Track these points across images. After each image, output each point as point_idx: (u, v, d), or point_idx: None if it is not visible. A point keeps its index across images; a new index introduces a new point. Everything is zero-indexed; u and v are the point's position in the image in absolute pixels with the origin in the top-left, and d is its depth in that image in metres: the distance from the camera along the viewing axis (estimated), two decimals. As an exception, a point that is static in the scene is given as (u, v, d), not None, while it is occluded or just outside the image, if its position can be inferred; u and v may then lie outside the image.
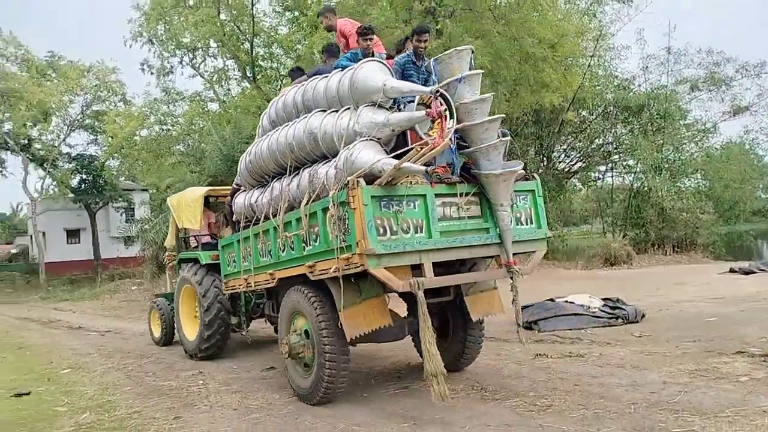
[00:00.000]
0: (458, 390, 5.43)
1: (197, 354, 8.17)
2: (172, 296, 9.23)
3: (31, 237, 36.25)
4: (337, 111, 5.19)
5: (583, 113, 22.46)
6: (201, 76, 23.04)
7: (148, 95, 22.78)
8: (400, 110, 4.99)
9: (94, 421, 5.41)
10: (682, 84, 22.31)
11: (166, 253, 10.16)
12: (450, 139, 4.66)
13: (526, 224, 5.43)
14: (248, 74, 20.48)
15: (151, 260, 17.79)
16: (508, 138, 5.20)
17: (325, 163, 5.23)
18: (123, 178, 33.84)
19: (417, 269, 4.77)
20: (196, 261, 8.37)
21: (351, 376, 5.51)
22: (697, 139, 22.76)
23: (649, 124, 21.73)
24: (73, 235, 35.60)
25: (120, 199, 32.74)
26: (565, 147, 23.92)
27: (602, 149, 23.51)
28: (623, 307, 8.55)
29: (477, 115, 4.88)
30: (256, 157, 6.22)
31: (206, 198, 8.89)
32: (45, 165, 31.44)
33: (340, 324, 4.98)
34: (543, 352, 6.66)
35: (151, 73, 22.58)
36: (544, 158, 22.71)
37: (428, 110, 4.60)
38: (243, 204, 6.63)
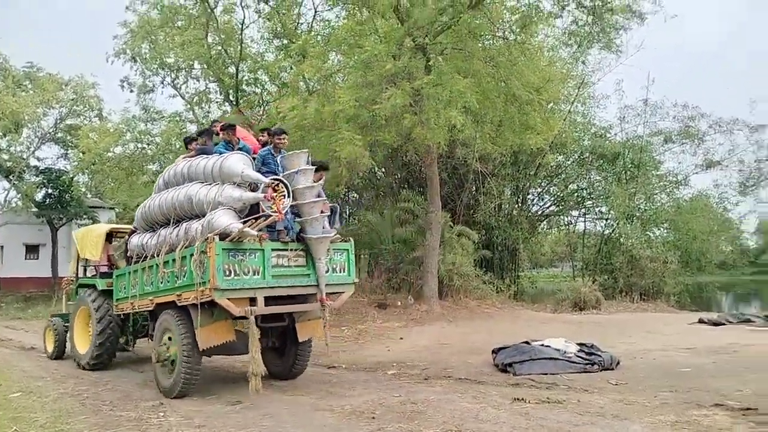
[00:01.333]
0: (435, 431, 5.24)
1: (88, 364, 9.60)
2: (67, 316, 10.86)
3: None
4: (209, 185, 7.25)
5: (560, 158, 22.82)
6: (182, 96, 22.78)
7: (127, 112, 22.35)
8: (254, 190, 6.94)
9: (44, 452, 5.05)
10: (656, 135, 22.84)
11: (65, 279, 11.89)
12: (285, 212, 6.88)
13: (340, 272, 7.69)
14: (231, 98, 20.31)
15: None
16: (328, 213, 7.54)
17: (197, 221, 7.20)
18: (90, 195, 32.96)
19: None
20: (93, 287, 9.93)
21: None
22: (668, 190, 23.23)
23: (623, 172, 22.16)
24: (32, 250, 34.34)
25: (85, 216, 31.80)
26: (540, 190, 24.20)
27: (576, 194, 23.85)
28: (599, 353, 8.47)
29: (306, 197, 7.20)
30: (150, 209, 8.26)
31: (109, 234, 10.54)
32: (11, 177, 30.49)
33: (200, 334, 6.93)
34: (520, 396, 6.50)
35: (131, 91, 22.27)
36: (519, 200, 22.92)
37: (265, 194, 6.72)
38: (136, 244, 8.56)
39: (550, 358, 8.21)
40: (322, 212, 7.40)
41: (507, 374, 8.08)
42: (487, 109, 13.17)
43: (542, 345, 8.73)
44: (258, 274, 6.84)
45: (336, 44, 13.30)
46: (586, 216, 24.70)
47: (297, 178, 7.13)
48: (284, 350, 8.26)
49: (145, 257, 8.18)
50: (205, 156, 7.67)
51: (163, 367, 7.47)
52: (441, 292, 15.41)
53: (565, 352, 8.39)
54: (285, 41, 17.62)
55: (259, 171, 7.21)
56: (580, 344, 8.84)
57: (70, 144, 30.60)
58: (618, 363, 8.38)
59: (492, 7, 12.59)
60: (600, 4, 11.81)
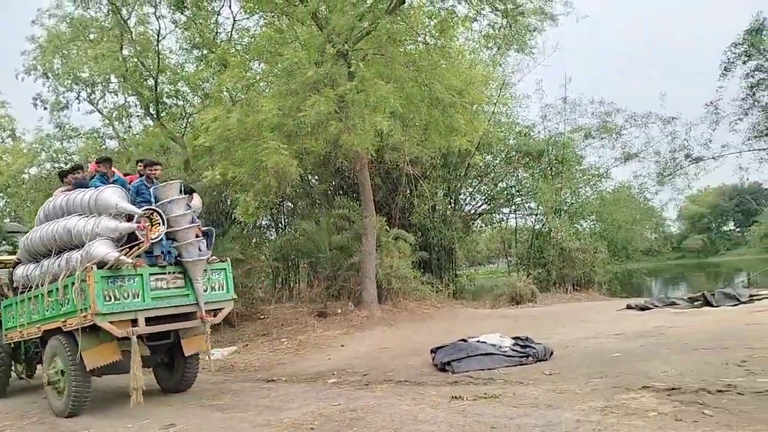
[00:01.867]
0: (374, 438, 5.21)
1: None
2: None
3: None
4: (87, 217, 7.70)
5: (488, 158, 23.39)
6: (99, 112, 21.91)
7: (40, 131, 21.29)
8: (131, 220, 7.45)
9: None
10: (577, 132, 23.79)
11: None
12: (161, 238, 7.55)
13: (219, 290, 8.21)
14: (152, 111, 19.67)
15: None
16: (203, 238, 8.11)
17: (77, 251, 7.58)
18: (8, 220, 31.10)
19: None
20: None
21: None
22: (591, 183, 24.24)
23: (549, 168, 22.94)
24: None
25: (4, 242, 29.99)
26: (471, 190, 24.72)
27: (506, 192, 24.51)
28: (533, 345, 8.67)
29: (180, 224, 7.74)
30: (32, 242, 8.57)
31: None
32: None
33: (84, 357, 7.34)
34: (458, 394, 6.55)
35: (45, 108, 21.24)
36: (452, 200, 23.31)
37: (138, 224, 7.34)
38: (21, 274, 8.84)
39: (487, 354, 8.33)
40: (197, 236, 8.03)
41: (446, 373, 8.13)
42: (412, 113, 13.32)
43: (478, 341, 8.85)
44: (138, 297, 7.42)
45: (256, 53, 13.13)
46: (517, 213, 25.48)
47: (170, 206, 7.72)
48: (173, 365, 8.81)
49: (30, 287, 8.51)
50: (82, 189, 8.19)
51: (54, 390, 7.93)
52: (381, 297, 15.44)
53: (500, 347, 8.54)
54: (204, 51, 17.22)
55: (134, 201, 7.82)
56: (515, 338, 9.02)
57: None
58: (551, 353, 8.60)
59: (410, 12, 12.76)
60: (512, 7, 12.17)
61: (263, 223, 23.21)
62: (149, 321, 7.46)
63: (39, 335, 8.38)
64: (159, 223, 7.52)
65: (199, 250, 7.95)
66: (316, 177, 21.87)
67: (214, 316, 8.16)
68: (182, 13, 17.81)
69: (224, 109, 12.55)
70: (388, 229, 17.92)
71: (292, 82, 11.60)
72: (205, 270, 7.93)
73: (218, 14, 17.23)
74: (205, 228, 8.55)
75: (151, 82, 19.14)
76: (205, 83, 18.00)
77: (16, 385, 10.31)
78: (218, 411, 7.26)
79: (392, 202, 20.76)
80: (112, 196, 7.58)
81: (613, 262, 22.96)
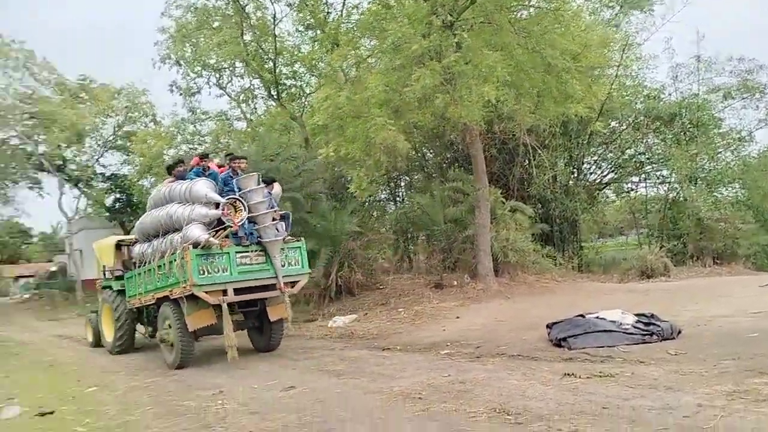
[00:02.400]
0: (479, 412, 5.21)
1: (113, 350, 11.74)
2: None
3: (69, 255, 36.95)
4: (184, 205, 9.27)
5: (613, 124, 21.97)
6: (228, 95, 23.33)
7: (175, 115, 23.14)
8: (218, 207, 8.91)
9: (110, 443, 5.36)
10: (714, 92, 21.61)
11: (96, 281, 14.11)
12: (243, 223, 9.05)
13: (295, 265, 9.63)
14: (272, 93, 20.59)
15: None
16: (283, 222, 9.60)
17: (178, 233, 9.21)
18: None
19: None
20: (110, 288, 12.18)
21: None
22: (732, 148, 21.98)
23: (682, 133, 21.08)
24: (124, 249, 36.14)
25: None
26: (595, 158, 23.40)
27: (634, 160, 22.91)
28: (658, 323, 8.17)
29: (259, 209, 9.11)
30: (143, 225, 10.45)
31: (118, 244, 12.70)
32: (80, 185, 32.19)
33: (186, 321, 9.03)
34: (571, 371, 6.37)
35: (180, 94, 23.00)
36: (575, 170, 22.24)
37: (222, 211, 8.88)
38: (138, 252, 10.74)
39: (606, 331, 7.99)
40: (274, 219, 9.36)
41: (561, 349, 7.93)
42: (522, 81, 12.79)
43: (597, 317, 8.50)
44: (226, 272, 8.92)
45: (363, 30, 13.23)
46: (647, 181, 23.71)
47: (250, 195, 9.11)
48: (263, 329, 10.25)
49: (145, 262, 10.34)
50: (181, 181, 9.73)
51: (166, 346, 9.64)
52: (497, 270, 15.24)
53: (621, 324, 8.14)
54: (317, 32, 17.66)
55: (221, 191, 9.28)
56: (638, 314, 8.54)
57: (130, 150, 31.99)
58: (679, 332, 8.08)
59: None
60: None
61: (382, 196, 23.70)
62: (237, 291, 8.98)
63: (153, 302, 10.17)
64: (241, 210, 9.04)
65: (277, 231, 9.33)
66: (431, 150, 21.86)
67: (292, 287, 9.59)
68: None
69: (335, 87, 12.85)
70: (504, 201, 17.56)
71: (398, 57, 11.60)
72: (282, 248, 9.41)
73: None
74: (282, 212, 9.89)
75: (270, 64, 20.00)
76: (319, 63, 18.50)
77: (142, 342, 12.13)
78: (335, 376, 7.63)
79: (509, 173, 20.26)
80: (203, 187, 9.09)
81: (760, 234, 20.85)
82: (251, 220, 9.19)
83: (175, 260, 9.02)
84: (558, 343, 8.10)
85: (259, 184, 9.30)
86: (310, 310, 14.57)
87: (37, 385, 9.01)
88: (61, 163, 31.89)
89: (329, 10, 18.89)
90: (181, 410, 6.47)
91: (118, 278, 12.14)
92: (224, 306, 8.77)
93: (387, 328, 11.81)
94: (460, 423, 4.99)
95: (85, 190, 32.01)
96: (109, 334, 12.17)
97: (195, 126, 22.39)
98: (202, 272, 8.71)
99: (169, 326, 9.45)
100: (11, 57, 30.10)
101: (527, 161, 20.49)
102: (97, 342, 12.99)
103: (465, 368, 7.32)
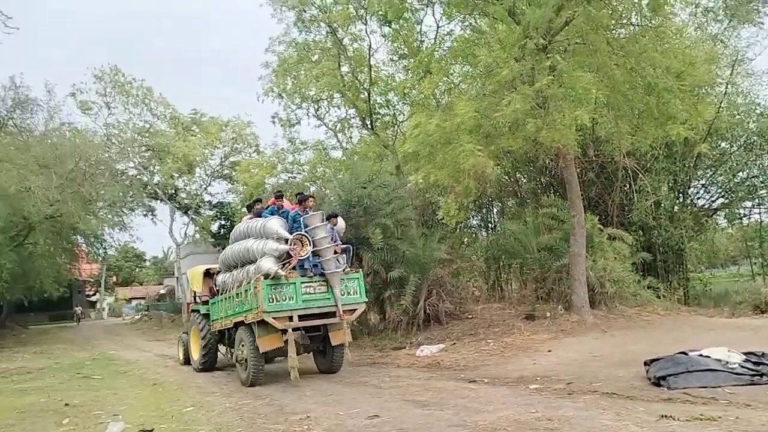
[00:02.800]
0: (566, 452, 4.98)
1: (197, 367, 13.18)
2: None
3: (177, 278, 39.42)
4: (258, 240, 10.56)
5: (723, 145, 20.54)
6: (325, 125, 24.22)
7: (276, 146, 24.38)
8: (286, 242, 10.24)
9: (201, 463, 5.60)
10: (835, 109, 19.68)
11: (188, 304, 15.54)
12: (308, 256, 10.24)
13: (354, 294, 10.60)
14: (366, 122, 21.13)
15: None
16: (344, 255, 10.91)
17: (253, 265, 10.48)
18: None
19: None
20: (198, 311, 13.48)
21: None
22: None
23: (800, 154, 19.35)
24: (212, 277, 38.20)
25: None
26: (703, 182, 21.90)
27: (747, 183, 21.21)
28: (770, 362, 7.47)
29: (322, 244, 10.26)
30: (225, 256, 11.87)
31: (207, 271, 13.89)
32: (189, 212, 34.45)
33: (257, 343, 10.19)
34: (669, 413, 5.93)
35: (281, 126, 24.14)
36: (680, 195, 20.95)
37: (290, 247, 10.11)
38: (220, 280, 12.13)
39: (710, 370, 7.40)
40: (335, 253, 10.46)
41: (660, 388, 7.41)
42: (620, 103, 12.30)
43: (700, 355, 7.88)
44: (293, 300, 10.00)
45: (454, 57, 13.30)
46: (761, 206, 21.85)
47: (315, 231, 10.28)
48: (326, 352, 11.32)
49: (225, 290, 11.62)
50: (257, 219, 11.15)
51: (240, 366, 10.83)
52: (594, 301, 14.56)
53: (727, 363, 7.51)
54: (411, 60, 17.97)
55: (291, 228, 10.51)
56: (747, 353, 7.85)
57: (235, 179, 33.86)
58: (795, 374, 7.32)
59: (615, -6, 11.81)
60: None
61: (474, 222, 23.46)
62: (301, 318, 10.07)
63: (232, 325, 11.35)
64: (307, 244, 10.21)
65: (338, 263, 10.44)
66: (525, 175, 21.44)
67: (351, 314, 10.58)
68: (389, 26, 18.81)
69: (426, 115, 12.97)
70: (602, 228, 16.85)
71: (489, 83, 11.54)
72: (342, 279, 10.43)
73: (421, 23, 17.84)
74: (343, 246, 11.08)
75: (365, 94, 20.57)
76: (411, 90, 18.80)
77: (222, 362, 13.44)
78: (419, 407, 7.57)
79: (608, 198, 19.43)
80: (275, 225, 10.43)
81: None
82: (315, 254, 10.32)
83: (249, 289, 10.30)
84: (656, 382, 7.58)
85: (323, 221, 10.55)
86: (398, 338, 14.56)
87: (141, 403, 9.60)
88: (173, 191, 34.36)
89: (422, 39, 19.23)
90: (269, 433, 6.66)
91: (205, 303, 13.38)
92: (289, 331, 9.97)
93: (475, 359, 11.58)
94: (544, 463, 4.79)
95: (194, 217, 34.21)
96: (195, 353, 13.49)
97: (294, 156, 23.43)
98: (271, 300, 9.87)
99: (243, 348, 10.63)
100: (132, 94, 33.02)
101: (627, 186, 19.59)
102: (186, 360, 14.32)
103: (554, 405, 7.01)
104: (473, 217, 22.93)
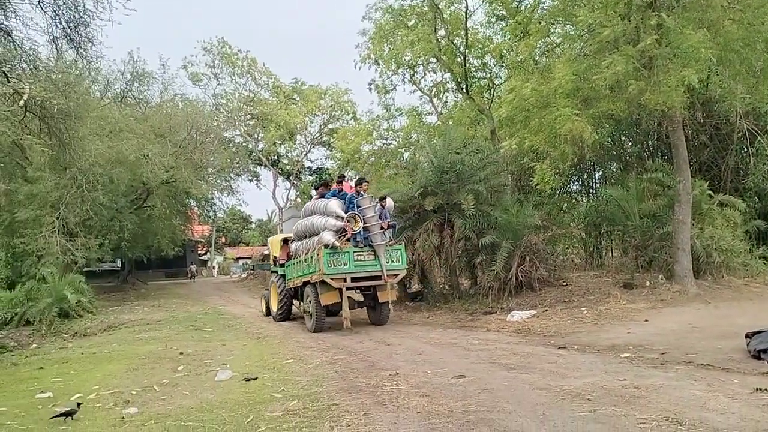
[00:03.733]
0: (649, 419, 4.97)
1: (276, 318, 15.77)
2: None
3: (280, 240, 41.41)
4: (321, 216, 13.11)
5: None
6: (421, 90, 24.23)
7: (371, 113, 24.81)
8: (349, 220, 12.59)
9: (299, 409, 6.13)
10: None
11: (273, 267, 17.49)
12: (359, 231, 12.51)
13: (396, 263, 12.83)
14: (462, 86, 20.93)
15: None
16: (390, 229, 13.21)
17: (317, 236, 13.01)
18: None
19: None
20: (277, 272, 16.04)
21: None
22: None
23: None
24: (288, 244, 39.74)
25: (352, 208, 35.92)
26: None
27: None
28: None
29: (371, 222, 12.58)
30: (297, 228, 14.55)
31: (285, 239, 16.39)
32: (291, 177, 35.93)
33: (318, 299, 12.65)
34: (765, 386, 5.71)
35: (378, 93, 24.45)
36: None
37: (346, 224, 12.48)
38: (293, 248, 14.85)
39: (817, 345, 6.97)
40: (382, 228, 12.80)
41: (761, 362, 7.09)
42: (732, 61, 11.38)
43: (808, 330, 7.43)
44: (347, 265, 12.49)
45: (553, 17, 12.81)
46: None
47: (365, 211, 12.76)
48: (375, 308, 13.64)
49: (297, 256, 14.37)
50: (321, 199, 13.93)
51: (307, 316, 13.56)
52: (698, 270, 13.87)
53: (837, 337, 7.04)
54: (510, 21, 17.48)
55: (348, 208, 12.88)
56: None
57: (333, 145, 34.82)
58: None
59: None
60: None
61: (574, 188, 22.77)
62: (353, 279, 12.55)
63: (301, 284, 13.91)
64: (359, 221, 12.62)
65: (384, 236, 12.80)
66: (630, 138, 20.44)
67: (394, 278, 12.84)
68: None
69: (522, 79, 12.68)
70: (711, 194, 15.87)
71: (589, 44, 11.06)
72: (387, 249, 12.74)
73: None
74: (391, 222, 13.37)
75: (460, 58, 20.34)
76: (509, 53, 18.36)
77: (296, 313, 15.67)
78: (505, 369, 7.73)
79: (722, 162, 18.18)
80: (334, 205, 12.98)
81: None
82: (365, 229, 12.68)
83: (313, 256, 12.77)
84: (757, 355, 7.25)
85: (372, 203, 13.02)
86: (489, 302, 14.63)
87: (246, 354, 10.45)
88: (276, 158, 35.91)
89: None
90: (361, 386, 7.11)
91: (282, 266, 15.79)
92: (344, 290, 12.48)
93: (566, 327, 11.47)
94: (627, 428, 4.84)
95: (295, 182, 35.67)
96: (274, 306, 16.08)
97: (389, 122, 23.74)
98: (330, 265, 12.32)
99: (310, 302, 13.20)
100: (237, 65, 34.56)
101: (744, 149, 18.19)
102: (267, 312, 17.06)
103: (643, 374, 6.92)
104: (574, 182, 22.25)
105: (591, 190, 22.95)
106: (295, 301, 15.53)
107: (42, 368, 10.31)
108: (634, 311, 12.13)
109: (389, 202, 13.81)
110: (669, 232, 14.22)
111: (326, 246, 12.34)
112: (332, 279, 12.29)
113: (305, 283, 13.50)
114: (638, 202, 16.06)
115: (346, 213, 12.68)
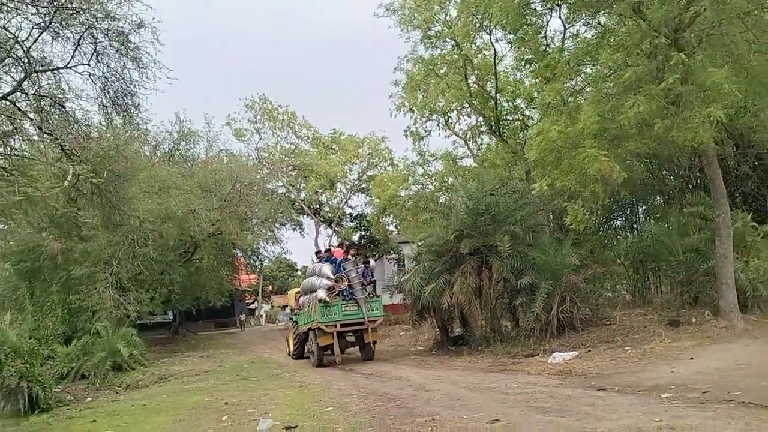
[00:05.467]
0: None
1: (292, 356, 19.88)
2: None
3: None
4: (317, 277, 16.95)
5: None
6: (456, 134, 24.66)
7: (406, 159, 25.39)
8: (336, 280, 16.61)
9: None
10: None
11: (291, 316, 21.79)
12: (345, 288, 16.53)
13: (375, 311, 16.61)
14: (494, 129, 21.24)
15: (412, 308, 19.25)
16: (371, 285, 17.47)
17: (314, 293, 16.62)
18: (397, 233, 37.56)
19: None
20: (293, 320, 20.14)
21: None
22: None
23: None
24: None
25: (391, 251, 36.23)
26: None
27: None
28: None
29: (354, 280, 16.54)
30: (303, 285, 18.23)
31: (297, 293, 19.60)
32: (332, 224, 36.64)
33: (317, 341, 16.51)
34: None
35: (412, 139, 24.98)
36: None
37: (334, 284, 16.44)
38: (302, 301, 18.06)
39: None
40: (363, 284, 16.60)
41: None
42: (758, 95, 11.32)
43: None
44: (336, 315, 16.09)
45: (576, 59, 13.05)
46: None
47: (350, 272, 16.57)
48: (363, 346, 17.19)
49: (303, 307, 17.97)
50: (320, 263, 17.81)
51: (311, 354, 17.28)
52: (745, 305, 13.47)
53: None
54: (537, 65, 17.82)
55: (337, 270, 16.78)
56: None
57: (372, 192, 35.41)
58: None
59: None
60: None
61: (618, 224, 22.49)
62: (342, 326, 16.19)
63: (306, 330, 17.69)
64: (345, 281, 16.42)
65: (365, 290, 16.55)
66: (671, 173, 20.22)
67: (373, 323, 16.48)
68: (514, 34, 18.80)
69: (550, 121, 12.88)
70: (756, 225, 15.48)
71: (612, 85, 11.22)
72: (367, 301, 16.47)
73: (546, 26, 17.58)
74: (371, 279, 17.31)
75: (491, 102, 20.71)
76: (536, 94, 18.63)
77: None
78: (541, 413, 7.72)
79: (766, 192, 17.75)
80: (326, 269, 16.86)
81: None
82: (350, 286, 16.45)
83: (312, 308, 16.43)
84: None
85: (356, 266, 16.93)
86: (531, 344, 14.48)
87: (288, 402, 10.68)
88: (317, 206, 36.76)
89: (548, 42, 18.98)
90: (396, 433, 7.23)
91: (296, 315, 19.29)
92: (335, 334, 16.14)
93: (609, 367, 11.28)
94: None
95: (336, 228, 36.31)
96: (291, 348, 20.32)
97: (423, 168, 24.18)
98: (323, 315, 15.98)
99: (312, 343, 17.05)
100: (278, 120, 35.93)
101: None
102: (288, 353, 20.97)
103: (681, 414, 6.82)
104: (617, 218, 22.02)
105: (635, 226, 22.62)
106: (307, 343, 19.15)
107: (95, 421, 10.79)
108: (679, 349, 11.84)
109: (372, 262, 18.52)
110: (713, 267, 13.91)
111: (320, 300, 15.97)
112: (326, 326, 15.95)
113: (309, 330, 17.12)
114: (680, 236, 15.81)
115: (335, 275, 16.47)
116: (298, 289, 19.88)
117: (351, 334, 16.87)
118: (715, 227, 13.63)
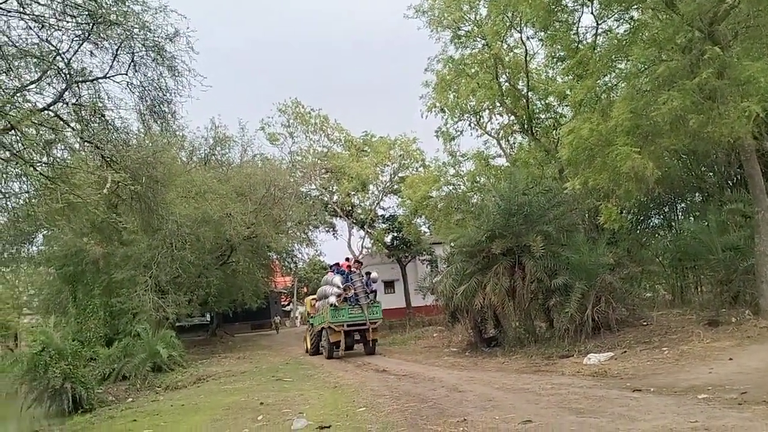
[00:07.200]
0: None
1: (309, 353, 22.75)
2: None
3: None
4: (329, 285, 20.69)
5: None
6: (488, 134, 24.53)
7: (437, 160, 25.36)
8: (345, 289, 20.05)
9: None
10: None
11: (308, 318, 25.05)
12: (351, 295, 19.98)
13: (376, 314, 20.17)
14: (526, 128, 21.07)
15: (444, 309, 19.29)
16: (373, 293, 20.70)
17: (326, 299, 20.15)
18: (429, 234, 37.48)
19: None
20: (310, 322, 23.55)
21: None
22: None
23: None
24: (388, 285, 40.18)
25: (424, 252, 36.21)
26: None
27: None
28: None
29: (358, 288, 20.09)
30: (318, 292, 22.26)
31: (313, 299, 23.06)
32: (365, 226, 36.77)
33: (329, 338, 20.33)
34: None
35: (443, 140, 24.93)
36: None
37: (343, 292, 19.83)
38: (317, 305, 21.97)
39: None
40: (366, 293, 19.87)
41: None
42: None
43: None
44: (344, 317, 19.41)
45: (608, 56, 12.88)
46: None
47: (355, 282, 19.90)
48: (366, 343, 20.52)
49: (318, 311, 21.40)
50: (331, 274, 21.26)
51: (324, 349, 20.85)
52: (788, 304, 13.08)
53: None
54: (569, 62, 17.60)
55: (346, 279, 20.12)
56: None
57: (402, 194, 35.38)
58: None
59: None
60: None
61: (655, 222, 22.09)
62: (348, 326, 19.55)
63: (319, 330, 21.20)
64: (351, 289, 19.63)
65: (368, 297, 19.85)
66: (710, 169, 19.75)
67: (374, 324, 19.93)
68: (545, 31, 18.61)
69: (582, 119, 12.73)
70: (799, 222, 15.00)
71: (645, 81, 11.05)
72: (368, 306, 19.61)
73: (578, 23, 17.37)
74: (374, 287, 20.58)
75: (523, 101, 20.55)
76: (568, 92, 18.38)
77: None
78: (574, 414, 7.66)
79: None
80: (336, 279, 20.11)
81: None
82: (355, 294, 19.73)
83: (324, 311, 19.86)
84: None
85: (361, 276, 20.31)
86: (566, 345, 14.33)
87: (322, 402, 10.82)
88: (350, 208, 36.97)
89: (580, 39, 18.74)
90: (427, 433, 7.28)
91: (312, 318, 22.69)
92: (342, 333, 19.64)
93: (645, 368, 11.10)
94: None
95: (369, 230, 36.44)
96: (308, 345, 23.02)
97: (455, 168, 24.11)
98: (333, 317, 19.33)
99: (324, 340, 20.68)
100: (311, 123, 36.29)
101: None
102: (306, 350, 23.39)
103: (717, 415, 6.70)
104: (654, 215, 21.63)
105: (673, 224, 22.17)
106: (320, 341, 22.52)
107: (135, 420, 11.14)
108: (718, 350, 11.57)
109: (374, 274, 21.17)
110: (753, 265, 13.56)
111: (331, 305, 19.22)
112: (336, 326, 19.42)
113: (322, 329, 20.67)
114: (719, 234, 15.45)
115: (343, 284, 19.63)
116: (314, 296, 23.48)
117: (356, 333, 20.46)
118: (755, 224, 13.29)
